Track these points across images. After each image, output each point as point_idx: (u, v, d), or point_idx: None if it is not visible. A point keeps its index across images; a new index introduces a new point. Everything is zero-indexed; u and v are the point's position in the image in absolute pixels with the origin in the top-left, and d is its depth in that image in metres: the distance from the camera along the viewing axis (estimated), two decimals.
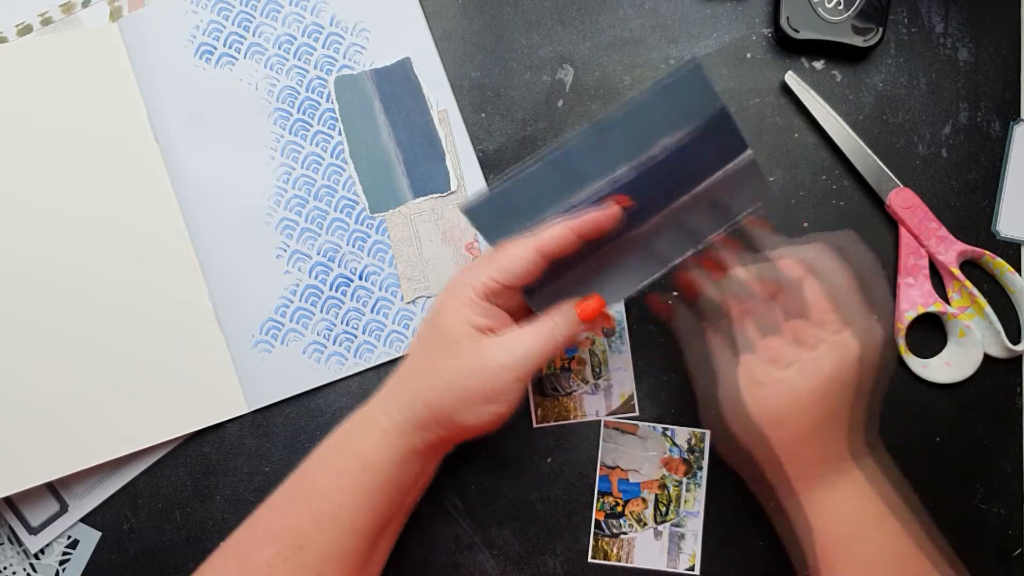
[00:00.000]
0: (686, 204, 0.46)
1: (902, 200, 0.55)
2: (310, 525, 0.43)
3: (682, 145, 0.44)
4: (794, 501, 0.46)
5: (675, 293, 0.52)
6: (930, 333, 0.56)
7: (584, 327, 0.45)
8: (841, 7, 0.55)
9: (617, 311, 0.55)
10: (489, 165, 0.56)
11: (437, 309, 0.45)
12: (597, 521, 0.54)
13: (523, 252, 0.43)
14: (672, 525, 0.54)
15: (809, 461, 0.44)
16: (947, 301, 0.55)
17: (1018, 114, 0.56)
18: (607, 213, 0.44)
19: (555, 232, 0.43)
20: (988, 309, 0.54)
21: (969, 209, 0.56)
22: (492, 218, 0.44)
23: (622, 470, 0.55)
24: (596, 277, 0.47)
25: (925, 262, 0.55)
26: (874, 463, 0.46)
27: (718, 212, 0.46)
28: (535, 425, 0.55)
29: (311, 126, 0.56)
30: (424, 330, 0.46)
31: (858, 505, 0.44)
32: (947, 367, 0.55)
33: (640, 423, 0.55)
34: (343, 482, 0.43)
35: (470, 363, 0.43)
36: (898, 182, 0.55)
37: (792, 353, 0.43)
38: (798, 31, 0.55)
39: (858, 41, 0.55)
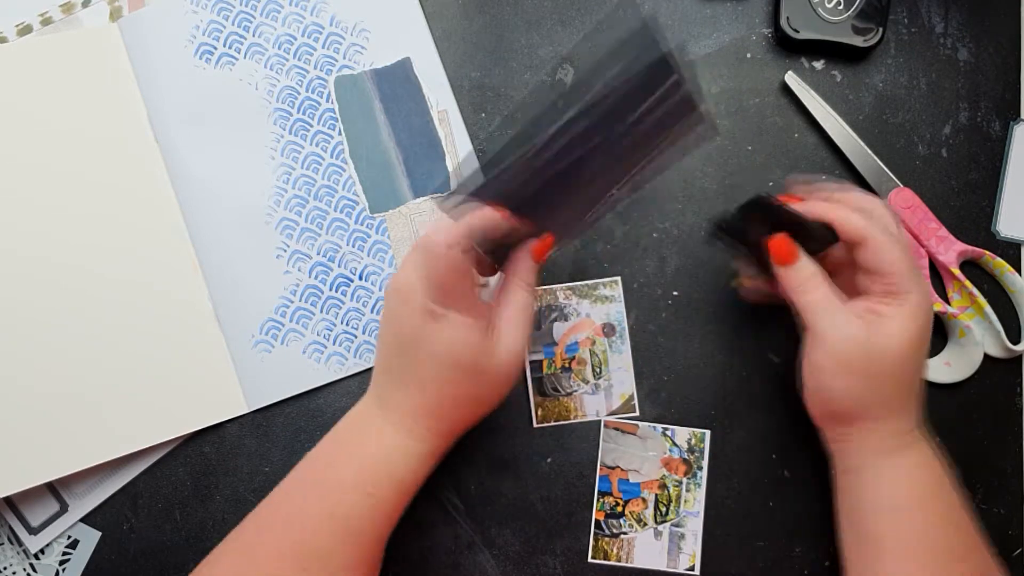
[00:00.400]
0: (619, 135, 0.44)
1: (902, 200, 0.55)
2: (339, 541, 0.43)
3: (620, 83, 0.42)
4: (855, 470, 0.46)
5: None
6: None
7: (541, 263, 0.47)
8: (841, 7, 0.55)
9: (617, 311, 0.55)
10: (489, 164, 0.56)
11: (412, 335, 0.43)
12: (597, 521, 0.54)
13: (454, 236, 0.43)
14: (672, 525, 0.54)
15: (874, 424, 0.45)
16: (947, 301, 0.55)
17: (1018, 114, 0.56)
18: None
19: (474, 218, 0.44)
20: (988, 309, 0.54)
21: (969, 209, 0.56)
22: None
23: (622, 470, 0.55)
24: (548, 223, 0.47)
25: (925, 262, 0.55)
26: (927, 444, 0.46)
27: (648, 140, 0.44)
28: (535, 425, 0.55)
29: (311, 126, 0.56)
30: (450, 374, 0.44)
31: (922, 474, 0.45)
32: (947, 367, 0.55)
33: (640, 423, 0.55)
34: (374, 501, 0.44)
35: (489, 382, 0.45)
36: (898, 182, 0.55)
37: (874, 312, 0.43)
38: (798, 31, 0.55)
39: (858, 41, 0.55)
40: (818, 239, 0.45)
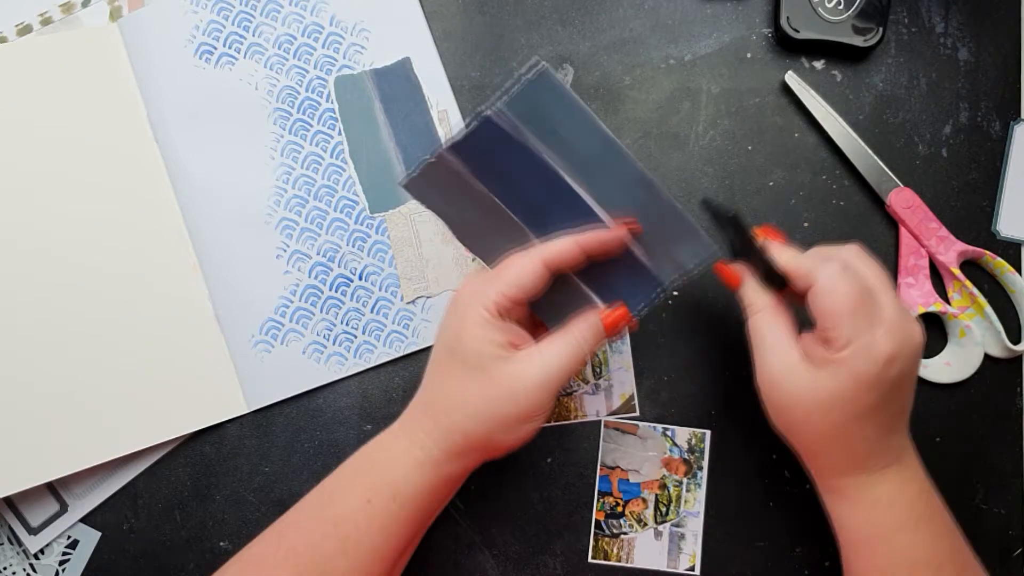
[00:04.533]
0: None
1: (902, 200, 0.55)
2: (335, 550, 0.43)
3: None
4: (827, 496, 0.45)
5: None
6: (930, 333, 0.55)
7: (609, 337, 0.45)
8: (841, 7, 0.55)
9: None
10: None
11: (453, 334, 0.43)
12: (597, 521, 0.54)
13: (531, 266, 0.42)
14: (672, 525, 0.54)
15: (839, 460, 0.44)
16: (947, 301, 0.55)
17: (1018, 114, 0.56)
18: (614, 235, 0.44)
19: (562, 246, 0.43)
20: (988, 309, 0.54)
21: (969, 209, 0.56)
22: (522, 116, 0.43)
23: (622, 470, 0.55)
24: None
25: (925, 262, 0.55)
26: (915, 463, 0.45)
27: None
28: None
29: (311, 126, 0.56)
30: (444, 357, 0.44)
31: (892, 507, 0.43)
32: (947, 367, 0.55)
33: (640, 423, 0.55)
34: (372, 510, 0.43)
35: (505, 388, 0.42)
36: (898, 182, 0.55)
37: (821, 352, 0.42)
38: (798, 31, 0.55)
39: (858, 41, 0.55)
40: (772, 278, 0.45)
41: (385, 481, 0.44)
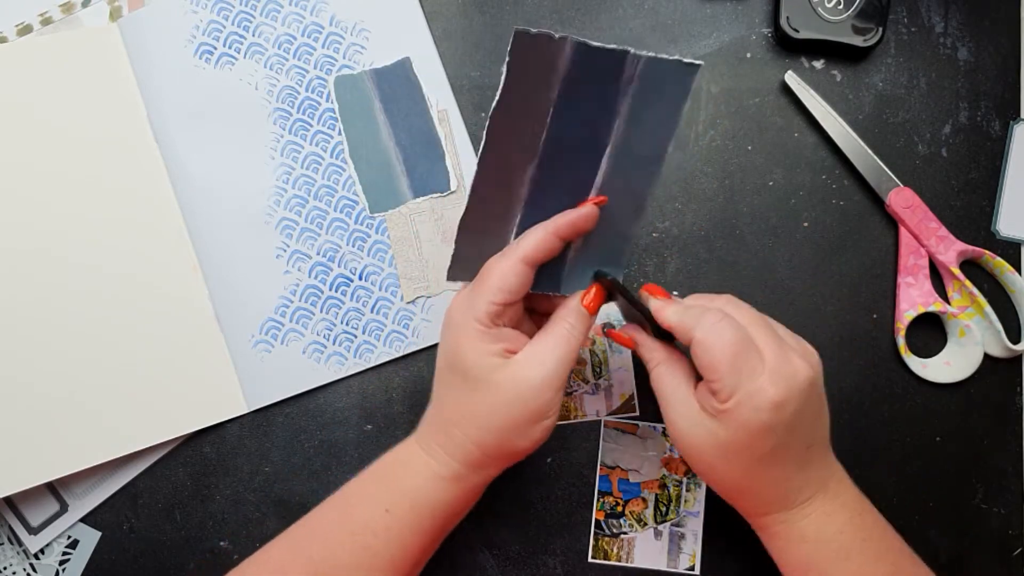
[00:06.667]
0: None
1: (902, 200, 0.55)
2: (352, 559, 0.43)
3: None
4: (759, 533, 0.46)
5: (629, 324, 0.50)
6: (930, 333, 0.56)
7: (594, 318, 0.45)
8: (841, 7, 0.55)
9: (617, 311, 0.55)
10: None
11: (452, 351, 0.44)
12: (597, 521, 0.54)
13: (512, 268, 0.42)
14: (672, 525, 0.54)
15: (757, 502, 0.44)
16: (947, 301, 0.55)
17: (1018, 114, 0.56)
18: (584, 213, 0.44)
19: (536, 239, 0.43)
20: (988, 309, 0.54)
21: (969, 209, 0.56)
22: None
23: (622, 470, 0.55)
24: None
25: (925, 262, 0.55)
26: (843, 488, 0.44)
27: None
28: None
29: (311, 126, 0.56)
30: (446, 374, 0.45)
31: (821, 539, 0.43)
32: (947, 367, 0.55)
33: (640, 423, 0.55)
34: (390, 520, 0.43)
35: (508, 394, 0.42)
36: (898, 182, 0.55)
37: (713, 403, 0.42)
38: (798, 31, 0.55)
39: (858, 41, 0.55)
40: (661, 333, 0.45)
41: (404, 492, 0.44)
